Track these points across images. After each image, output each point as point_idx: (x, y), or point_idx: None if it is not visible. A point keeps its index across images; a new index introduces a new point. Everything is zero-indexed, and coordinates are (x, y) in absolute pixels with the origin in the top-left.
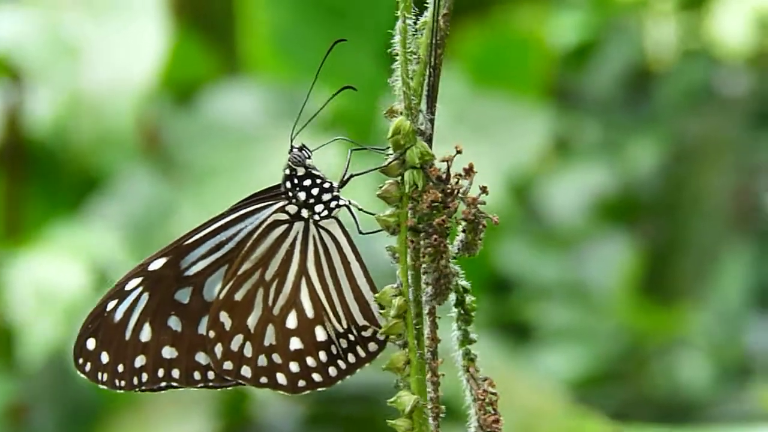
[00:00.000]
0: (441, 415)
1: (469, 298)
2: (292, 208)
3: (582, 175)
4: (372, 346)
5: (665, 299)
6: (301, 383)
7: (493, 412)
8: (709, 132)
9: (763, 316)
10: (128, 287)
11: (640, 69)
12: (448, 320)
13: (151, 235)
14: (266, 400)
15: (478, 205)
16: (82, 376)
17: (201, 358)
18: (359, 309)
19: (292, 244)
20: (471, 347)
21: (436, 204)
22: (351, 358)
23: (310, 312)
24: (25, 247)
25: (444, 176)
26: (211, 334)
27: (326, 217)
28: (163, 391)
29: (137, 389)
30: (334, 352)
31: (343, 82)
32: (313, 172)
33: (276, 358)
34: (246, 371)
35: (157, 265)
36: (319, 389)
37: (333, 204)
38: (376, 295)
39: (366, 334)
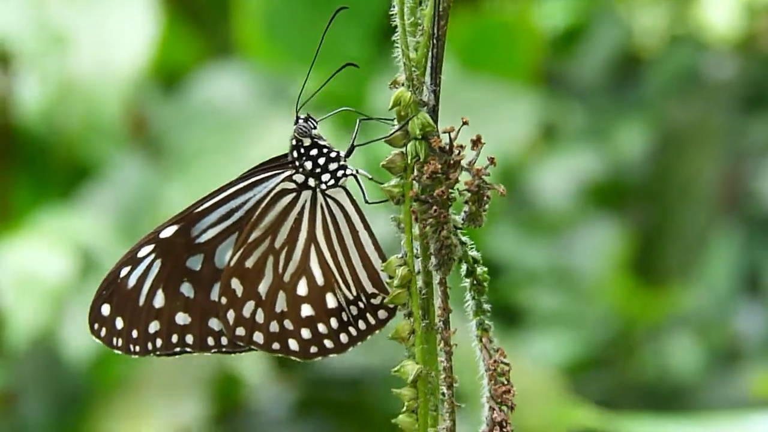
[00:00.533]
0: (455, 384)
1: (480, 269)
2: (300, 177)
3: (570, 161)
4: (381, 314)
5: (654, 284)
6: (313, 349)
7: (505, 382)
8: (696, 117)
9: (751, 301)
10: (141, 254)
11: (628, 54)
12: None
13: (140, 220)
14: (257, 385)
15: (483, 177)
16: (97, 341)
17: (214, 324)
18: (368, 276)
19: (300, 213)
20: (485, 317)
21: (436, 175)
22: (361, 325)
23: (320, 279)
24: (11, 233)
25: (447, 147)
26: (223, 300)
27: (333, 186)
28: (169, 356)
29: (152, 354)
30: (345, 319)
31: (333, 63)
32: (319, 142)
33: (288, 324)
34: (258, 337)
35: (168, 232)
36: (331, 355)
37: (340, 173)
38: (383, 264)
39: (375, 301)
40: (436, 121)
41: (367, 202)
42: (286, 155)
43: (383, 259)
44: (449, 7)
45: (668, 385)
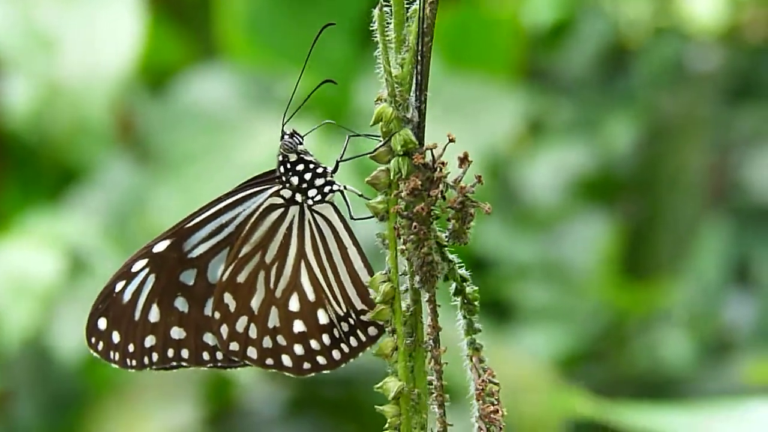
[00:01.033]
0: (446, 403)
1: (470, 288)
2: (287, 193)
3: (559, 155)
4: (372, 330)
5: (644, 277)
6: (306, 365)
7: (494, 402)
8: (684, 109)
9: (741, 291)
10: (135, 269)
11: (615, 47)
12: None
13: (128, 222)
14: (250, 385)
15: (468, 194)
16: (95, 355)
17: (209, 338)
18: (357, 293)
19: (289, 228)
20: (476, 336)
21: (418, 191)
22: (353, 341)
23: (311, 295)
24: (0, 235)
25: (430, 164)
26: (216, 315)
27: (320, 201)
28: (166, 370)
29: (148, 368)
30: (337, 335)
31: (317, 67)
32: (305, 157)
33: (280, 340)
34: (252, 352)
35: (161, 247)
36: (324, 372)
37: (326, 189)
38: (368, 280)
39: (365, 318)
40: (422, 137)
41: (352, 218)
42: (275, 170)
43: (372, 274)
44: (434, 25)
45: (660, 376)
